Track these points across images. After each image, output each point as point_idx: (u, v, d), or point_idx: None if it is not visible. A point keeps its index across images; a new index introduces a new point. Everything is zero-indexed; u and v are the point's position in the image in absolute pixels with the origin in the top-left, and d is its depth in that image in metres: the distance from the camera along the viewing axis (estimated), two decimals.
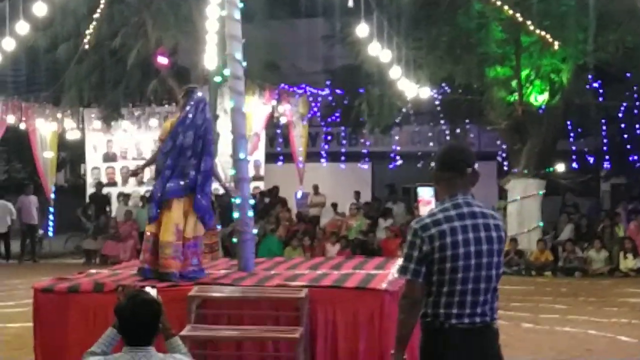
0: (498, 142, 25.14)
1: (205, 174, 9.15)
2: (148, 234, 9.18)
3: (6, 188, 31.69)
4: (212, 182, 9.58)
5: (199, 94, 9.41)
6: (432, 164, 5.06)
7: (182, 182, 9.05)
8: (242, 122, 9.97)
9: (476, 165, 5.00)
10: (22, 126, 24.66)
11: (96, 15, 18.23)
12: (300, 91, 25.67)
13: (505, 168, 23.63)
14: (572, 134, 25.55)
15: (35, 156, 25.87)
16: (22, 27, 14.39)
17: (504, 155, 24.72)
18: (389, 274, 8.97)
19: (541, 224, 20.96)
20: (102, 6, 17.67)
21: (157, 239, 9.00)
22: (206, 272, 9.32)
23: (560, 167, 22.77)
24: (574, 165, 26.25)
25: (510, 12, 17.74)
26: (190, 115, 9.13)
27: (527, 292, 16.59)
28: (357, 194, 24.59)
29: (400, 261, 4.94)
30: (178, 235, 8.99)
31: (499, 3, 17.36)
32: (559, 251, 20.21)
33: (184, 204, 9.08)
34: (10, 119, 23.98)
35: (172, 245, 8.91)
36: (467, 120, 26.61)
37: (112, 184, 26.75)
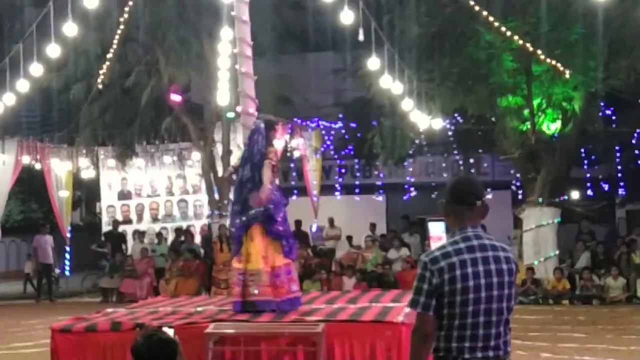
0: (512, 172, 25.11)
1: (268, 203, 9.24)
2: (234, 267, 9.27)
3: (22, 228, 31.90)
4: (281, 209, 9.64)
5: (254, 125, 9.52)
6: (442, 197, 5.05)
7: (243, 218, 9.22)
8: None
9: (488, 196, 5.01)
10: (38, 166, 24.82)
11: (109, 55, 18.35)
12: (313, 125, 25.75)
13: (520, 197, 23.58)
14: (586, 162, 25.53)
15: (50, 196, 25.99)
16: (36, 69, 14.56)
17: (518, 184, 24.68)
18: (406, 306, 8.96)
19: (552, 254, 20.82)
20: (114, 46, 17.78)
21: (244, 272, 9.09)
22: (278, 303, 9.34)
23: (575, 195, 22.73)
24: (589, 192, 26.21)
25: (520, 41, 17.77)
26: (246, 148, 9.31)
27: (545, 322, 16.50)
28: (373, 226, 24.57)
29: (410, 295, 4.96)
30: (265, 264, 9.11)
31: (508, 33, 17.41)
32: (576, 279, 20.11)
33: (261, 234, 9.21)
34: (26, 159, 24.16)
35: (260, 274, 9.05)
36: (480, 150, 26.63)
37: (128, 221, 26.81)
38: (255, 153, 9.30)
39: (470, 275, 4.75)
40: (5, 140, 23.69)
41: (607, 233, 26.24)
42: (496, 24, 16.90)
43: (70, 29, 13.10)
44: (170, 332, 5.24)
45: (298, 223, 25.12)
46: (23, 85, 15.10)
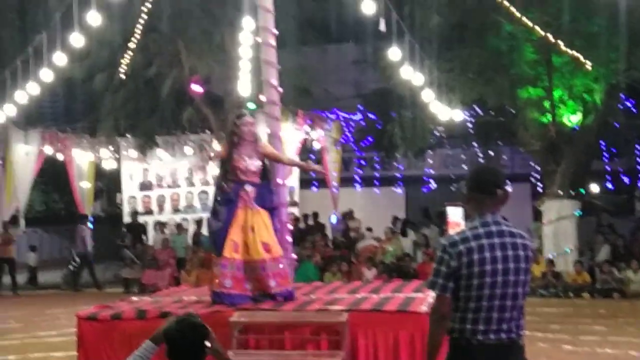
0: (531, 164, 25.01)
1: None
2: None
3: (44, 219, 32.05)
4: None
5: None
6: (463, 185, 5.18)
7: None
8: (279, 147, 9.99)
9: (507, 187, 5.08)
10: (60, 157, 24.91)
11: (131, 45, 18.36)
12: (333, 116, 25.69)
13: (540, 189, 23.47)
14: (606, 154, 25.38)
15: (72, 186, 26.12)
16: (60, 59, 14.59)
17: (537, 176, 24.57)
18: (427, 297, 8.93)
19: (567, 250, 20.65)
20: (137, 36, 17.79)
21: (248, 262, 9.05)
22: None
23: (594, 188, 22.58)
24: (609, 185, 26.08)
25: (542, 32, 17.66)
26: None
27: (565, 314, 16.42)
28: (395, 219, 24.53)
29: (429, 276, 5.04)
30: (268, 252, 9.09)
31: (529, 24, 17.30)
32: (596, 272, 19.98)
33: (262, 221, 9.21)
34: (48, 150, 24.29)
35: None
36: (499, 142, 26.57)
37: (149, 212, 26.84)
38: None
39: (488, 259, 4.88)
40: (28, 131, 23.76)
41: (627, 226, 26.08)
42: (517, 14, 16.80)
43: (94, 18, 13.09)
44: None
45: (316, 215, 25.17)
46: (47, 75, 15.15)
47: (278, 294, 9.02)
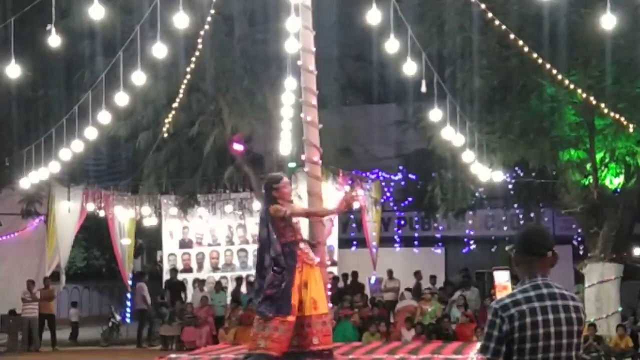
0: (573, 226, 24.80)
1: None
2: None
3: (85, 275, 32.30)
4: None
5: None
6: (511, 246, 5.10)
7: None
8: (319, 206, 10.05)
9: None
10: (101, 213, 25.14)
11: (175, 104, 18.61)
12: (373, 176, 25.76)
13: (581, 252, 23.24)
14: None
15: (113, 243, 26.25)
16: (105, 117, 14.82)
17: (579, 239, 24.35)
18: (467, 358, 8.88)
19: (620, 309, 20.48)
20: (180, 95, 18.05)
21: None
22: None
23: (637, 251, 22.33)
24: None
25: (584, 95, 17.64)
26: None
27: None
28: (433, 279, 24.40)
29: (480, 340, 4.98)
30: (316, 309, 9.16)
31: (571, 86, 17.30)
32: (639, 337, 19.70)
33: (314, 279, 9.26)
34: (90, 207, 24.54)
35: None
36: (541, 204, 26.38)
37: (188, 270, 26.94)
38: (263, 211, 9.53)
39: (540, 323, 4.80)
40: (71, 188, 24.04)
41: None
42: (559, 77, 16.81)
43: (139, 77, 13.29)
44: None
45: (355, 274, 25.12)
46: (91, 133, 15.38)
47: (319, 351, 9.01)
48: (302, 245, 9.20)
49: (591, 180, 20.39)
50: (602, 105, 18.01)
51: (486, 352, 4.85)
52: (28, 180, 18.35)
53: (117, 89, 14.12)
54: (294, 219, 9.23)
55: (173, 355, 10.30)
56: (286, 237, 9.20)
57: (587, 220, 21.50)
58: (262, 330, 9.02)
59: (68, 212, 24.28)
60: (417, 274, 24.64)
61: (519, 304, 4.83)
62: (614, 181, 20.48)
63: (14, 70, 11.95)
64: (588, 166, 20.40)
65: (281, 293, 9.08)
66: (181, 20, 12.10)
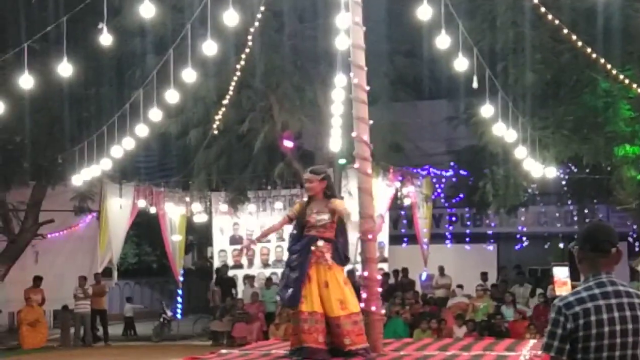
0: (628, 223, 24.49)
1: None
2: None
3: (136, 271, 32.57)
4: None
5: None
6: (574, 243, 5.05)
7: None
8: (369, 203, 10.00)
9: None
10: (152, 210, 25.33)
11: (225, 101, 18.65)
12: (424, 172, 25.66)
13: (637, 249, 22.94)
14: None
15: (164, 239, 26.49)
16: (155, 114, 14.92)
17: (634, 235, 24.04)
18: (520, 356, 8.78)
19: None
20: (231, 92, 18.09)
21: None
22: None
23: None
24: None
25: (639, 90, 17.40)
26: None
27: None
28: (484, 275, 24.22)
29: (544, 339, 4.93)
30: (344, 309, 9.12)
31: (626, 81, 17.07)
32: None
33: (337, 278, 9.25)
34: (141, 204, 24.71)
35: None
36: (595, 200, 26.09)
37: (238, 266, 27.03)
38: None
39: (606, 321, 4.74)
40: (123, 185, 24.25)
41: None
42: (614, 71, 16.60)
43: (189, 75, 13.35)
44: None
45: (405, 271, 25.03)
46: (142, 131, 15.48)
47: (352, 351, 8.97)
48: (320, 243, 9.18)
49: None
50: None
51: (550, 350, 4.79)
52: (80, 178, 18.53)
53: (168, 87, 14.26)
54: (321, 216, 9.26)
55: (224, 351, 10.33)
56: (304, 231, 9.25)
57: None
58: (296, 324, 9.10)
59: (120, 208, 24.49)
60: (484, 275, 24.35)
61: (584, 302, 4.77)
62: None
63: (66, 69, 12.03)
64: None
65: (292, 284, 9.18)
66: (231, 17, 12.13)
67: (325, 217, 9.26)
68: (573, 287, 5.08)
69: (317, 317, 8.97)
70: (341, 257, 9.40)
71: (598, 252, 4.92)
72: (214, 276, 26.64)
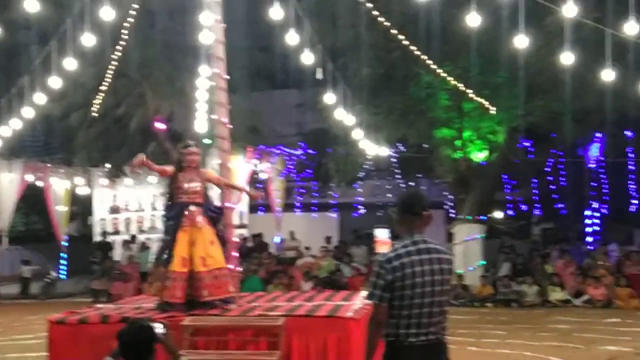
0: (445, 193, 25.20)
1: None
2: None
3: (25, 238, 31.47)
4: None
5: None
6: (394, 209, 5.25)
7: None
8: (227, 176, 9.93)
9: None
10: (40, 184, 24.64)
11: (103, 88, 18.18)
12: (278, 151, 25.73)
13: (452, 215, 23.65)
14: (507, 186, 25.71)
15: (50, 210, 25.92)
16: (40, 98, 14.56)
17: (450, 204, 24.78)
18: (354, 304, 8.91)
19: (482, 262, 20.92)
20: (108, 80, 17.64)
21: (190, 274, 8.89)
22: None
23: (498, 214, 22.80)
24: (510, 212, 26.38)
25: (454, 83, 17.88)
26: None
27: (471, 321, 16.48)
28: (328, 239, 24.50)
29: (368, 288, 5.05)
30: (205, 266, 8.95)
31: (444, 75, 17.50)
32: (498, 286, 20.14)
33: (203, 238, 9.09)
34: (29, 178, 24.04)
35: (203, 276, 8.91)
36: (419, 175, 26.70)
37: (117, 232, 26.68)
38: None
39: (418, 273, 4.94)
40: (12, 161, 23.44)
41: (525, 247, 26.35)
42: (434, 67, 16.98)
43: (71, 63, 13.14)
44: (159, 325, 5.18)
45: (261, 235, 25.09)
46: (28, 112, 15.06)
47: (208, 302, 8.88)
48: (192, 208, 9.06)
49: (460, 155, 20.74)
50: (469, 91, 18.32)
51: (372, 298, 4.96)
52: None
53: (52, 74, 13.97)
54: (193, 184, 9.08)
55: (99, 305, 10.11)
56: (175, 198, 9.10)
57: (456, 188, 21.96)
58: (162, 282, 8.96)
59: (9, 182, 23.76)
60: (328, 239, 24.52)
61: (401, 257, 4.93)
62: (479, 155, 20.89)
63: None
64: (458, 143, 20.74)
65: (166, 246, 9.04)
66: (107, 13, 12.08)
67: (198, 184, 9.14)
68: (393, 245, 5.19)
69: (180, 275, 8.84)
70: (213, 214, 9.28)
71: (412, 215, 5.06)
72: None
